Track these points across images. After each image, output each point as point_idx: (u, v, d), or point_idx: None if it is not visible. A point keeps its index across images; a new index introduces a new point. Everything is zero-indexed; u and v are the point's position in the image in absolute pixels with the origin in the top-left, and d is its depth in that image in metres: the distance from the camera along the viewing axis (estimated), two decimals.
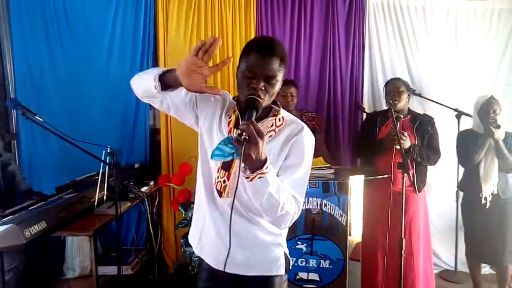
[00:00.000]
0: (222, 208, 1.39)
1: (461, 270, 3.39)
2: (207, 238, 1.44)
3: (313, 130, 3.17)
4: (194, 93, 1.39)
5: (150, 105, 3.46)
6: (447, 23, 3.47)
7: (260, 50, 1.26)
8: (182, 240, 2.15)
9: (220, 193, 1.36)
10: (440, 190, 3.42)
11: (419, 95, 3.33)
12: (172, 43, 3.42)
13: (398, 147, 2.53)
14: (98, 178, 2.81)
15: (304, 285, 2.15)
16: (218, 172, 1.36)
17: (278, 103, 1.41)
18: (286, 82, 3.06)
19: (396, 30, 3.46)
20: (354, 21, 3.42)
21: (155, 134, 3.63)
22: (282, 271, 1.44)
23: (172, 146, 3.49)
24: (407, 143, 2.58)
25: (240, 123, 1.13)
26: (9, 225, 1.92)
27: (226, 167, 1.34)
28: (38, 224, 2.04)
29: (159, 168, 3.56)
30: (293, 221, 1.30)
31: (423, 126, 2.80)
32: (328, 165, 2.26)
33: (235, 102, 1.42)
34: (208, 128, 1.40)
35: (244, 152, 1.08)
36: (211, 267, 1.46)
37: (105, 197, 2.67)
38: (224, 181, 1.34)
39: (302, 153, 1.31)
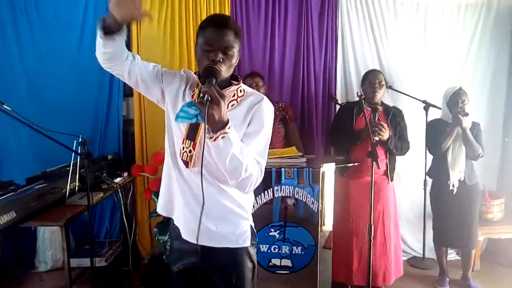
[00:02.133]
0: (190, 179, 1.42)
1: (429, 257, 3.52)
2: (178, 209, 1.48)
3: (284, 120, 3.25)
4: (160, 69, 1.50)
5: (124, 95, 3.54)
6: (416, 17, 3.57)
7: (216, 24, 1.36)
8: (155, 229, 2.15)
9: (186, 164, 1.38)
10: (408, 179, 3.52)
11: (390, 87, 3.43)
12: (146, 30, 3.38)
13: (377, 138, 2.59)
14: (69, 169, 2.78)
15: (277, 271, 2.19)
16: (183, 143, 1.39)
17: (239, 78, 1.47)
18: (251, 74, 3.19)
19: (368, 24, 3.53)
20: (327, 14, 3.47)
21: (128, 125, 3.60)
22: (248, 243, 1.48)
23: (146, 137, 3.46)
24: (386, 134, 2.65)
25: (202, 87, 1.21)
26: None
27: (191, 137, 1.37)
28: (8, 214, 2.01)
29: (133, 159, 3.53)
30: (256, 184, 1.36)
31: (396, 118, 2.89)
32: (301, 154, 2.30)
33: (197, 77, 1.47)
34: (173, 102, 1.45)
35: (207, 112, 1.15)
36: (179, 243, 1.49)
37: (77, 188, 2.64)
38: (190, 151, 1.37)
39: (263, 121, 1.38)
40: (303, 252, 2.21)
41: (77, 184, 2.62)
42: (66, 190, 2.51)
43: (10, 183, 2.60)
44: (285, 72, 3.52)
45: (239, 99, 1.42)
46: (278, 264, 2.20)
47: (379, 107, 2.82)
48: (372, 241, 2.34)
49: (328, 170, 2.23)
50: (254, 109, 1.39)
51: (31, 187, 2.51)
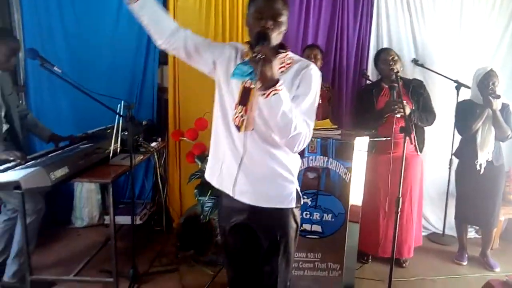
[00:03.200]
0: (240, 143, 1.51)
1: (448, 234, 3.62)
2: (227, 171, 1.57)
3: (329, 100, 3.32)
4: (211, 41, 1.62)
5: (159, 64, 3.63)
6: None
7: None
8: (195, 191, 2.28)
9: (238, 128, 1.48)
10: (433, 158, 3.58)
11: (422, 65, 3.45)
12: None
13: (399, 115, 2.66)
14: (111, 131, 2.90)
15: (307, 236, 2.32)
16: (236, 108, 1.49)
17: (287, 46, 1.55)
18: (311, 45, 3.25)
19: (405, 3, 3.51)
20: None
21: (162, 93, 3.70)
22: (293, 205, 1.59)
23: (179, 104, 3.57)
24: (407, 109, 2.70)
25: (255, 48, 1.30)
26: (37, 167, 2.04)
27: (243, 102, 1.47)
28: (62, 169, 2.15)
29: (166, 125, 3.67)
30: (305, 144, 1.44)
31: (416, 90, 2.95)
32: (335, 126, 2.39)
33: (247, 46, 1.55)
34: (225, 71, 1.54)
35: (260, 70, 1.25)
36: (229, 201, 1.60)
37: (118, 150, 2.77)
38: (242, 116, 1.47)
39: (310, 84, 1.46)
40: (333, 220, 2.33)
41: (118, 146, 2.76)
42: (110, 151, 2.65)
43: (69, 137, 2.77)
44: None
45: (287, 66, 1.50)
46: (309, 229, 2.32)
47: (397, 85, 2.86)
48: (400, 214, 2.44)
49: (361, 143, 2.30)
50: (302, 73, 1.47)
51: (77, 147, 2.67)
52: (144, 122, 3.53)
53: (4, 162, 2.28)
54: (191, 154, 2.36)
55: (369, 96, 3.00)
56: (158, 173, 3.15)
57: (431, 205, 3.70)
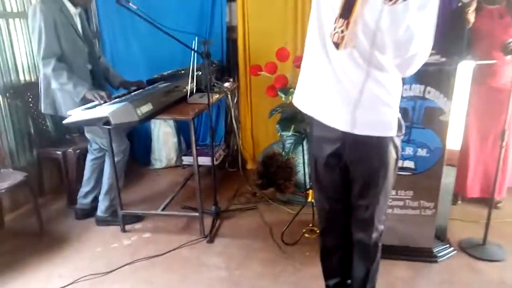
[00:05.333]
0: (338, 65, 1.36)
1: None
2: (321, 96, 1.44)
3: None
4: None
5: (226, 0, 3.47)
6: None
7: None
8: (277, 126, 2.19)
9: (337, 45, 1.32)
10: None
11: None
12: None
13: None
14: (185, 72, 2.88)
15: (397, 172, 2.15)
16: (335, 22, 1.31)
17: None
18: None
19: None
20: None
21: (231, 32, 3.57)
22: (394, 132, 1.43)
23: (248, 42, 3.44)
24: None
25: None
26: (124, 103, 2.05)
27: (346, 14, 1.29)
28: (146, 105, 2.16)
29: (236, 66, 3.58)
30: (418, 67, 1.28)
31: None
32: (433, 51, 2.12)
33: None
34: None
35: None
36: (322, 129, 1.48)
37: (194, 89, 2.74)
38: (342, 31, 1.30)
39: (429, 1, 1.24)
40: (428, 155, 2.14)
41: (194, 85, 2.72)
42: (188, 90, 2.62)
43: (138, 82, 2.79)
44: None
45: None
46: (400, 165, 2.15)
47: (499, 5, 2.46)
48: (504, 148, 2.20)
49: (465, 69, 2.03)
50: None
51: (157, 86, 2.67)
52: (214, 63, 3.47)
53: (89, 102, 2.33)
54: (272, 87, 2.25)
55: (460, 16, 2.63)
56: (232, 113, 3.10)
57: None
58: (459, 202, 2.91)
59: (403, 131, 1.50)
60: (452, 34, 2.78)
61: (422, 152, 2.16)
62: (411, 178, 2.20)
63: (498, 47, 2.39)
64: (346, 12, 1.28)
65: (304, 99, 1.53)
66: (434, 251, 2.30)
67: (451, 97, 2.04)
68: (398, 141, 1.48)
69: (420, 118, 2.10)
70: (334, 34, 1.31)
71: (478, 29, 2.54)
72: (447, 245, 2.37)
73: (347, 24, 1.28)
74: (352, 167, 1.50)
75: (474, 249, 2.34)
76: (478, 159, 2.78)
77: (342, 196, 1.60)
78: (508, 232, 2.53)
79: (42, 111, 2.55)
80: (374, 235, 1.60)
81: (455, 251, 2.33)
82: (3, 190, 2.33)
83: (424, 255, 2.29)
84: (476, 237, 2.41)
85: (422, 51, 1.24)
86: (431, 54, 2.05)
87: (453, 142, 2.18)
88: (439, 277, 2.13)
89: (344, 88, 1.37)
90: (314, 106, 1.49)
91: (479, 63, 2.11)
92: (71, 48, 2.40)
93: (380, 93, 1.38)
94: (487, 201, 2.80)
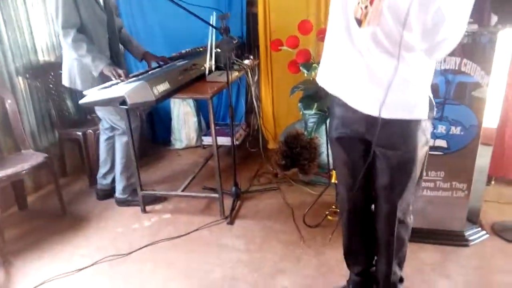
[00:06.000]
0: (361, 44, 1.25)
1: None
2: (344, 75, 1.34)
3: None
4: None
5: None
6: None
7: None
8: (299, 104, 2.08)
9: (359, 22, 1.21)
10: None
11: None
12: None
13: None
14: (204, 49, 2.79)
15: (429, 152, 2.02)
16: None
17: None
18: None
19: None
20: None
21: (251, 6, 3.43)
22: (424, 116, 1.32)
23: (269, 19, 3.29)
24: None
25: None
26: (140, 81, 1.99)
27: None
28: (163, 84, 2.09)
29: (256, 43, 3.45)
30: (449, 51, 1.14)
31: None
32: (471, 20, 1.94)
33: None
34: None
35: None
36: (344, 111, 1.39)
37: (213, 67, 2.65)
38: (366, 7, 1.18)
39: None
40: (462, 133, 1.99)
41: (213, 63, 2.63)
42: (206, 68, 2.53)
43: (162, 58, 2.71)
44: None
45: None
46: (431, 144, 2.02)
47: None
48: None
49: (506, 39, 1.86)
50: None
51: (174, 64, 2.59)
52: (234, 40, 3.35)
53: (106, 79, 2.28)
54: (294, 63, 2.13)
55: None
56: (253, 92, 3.00)
57: None
58: (493, 182, 2.75)
59: (434, 113, 1.38)
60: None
61: (455, 131, 2.01)
62: (442, 158, 2.07)
63: None
64: None
65: (328, 78, 1.43)
66: (466, 234, 2.19)
67: (490, 70, 1.88)
68: (428, 124, 1.37)
69: (454, 93, 1.95)
70: (357, 10, 1.20)
71: None
72: (479, 228, 2.25)
73: (371, 0, 1.16)
74: (377, 149, 1.40)
75: (508, 233, 2.21)
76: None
77: (362, 182, 1.50)
78: None
79: (62, 82, 2.51)
80: (398, 228, 1.51)
81: (487, 235, 2.21)
82: (25, 171, 2.34)
83: (455, 239, 2.18)
84: (510, 220, 2.28)
85: (452, 36, 1.08)
86: (469, 23, 1.90)
87: (490, 119, 2.03)
88: (470, 262, 2.02)
89: (368, 69, 1.27)
90: (339, 86, 1.39)
91: None
92: (90, 16, 2.32)
93: (410, 75, 1.26)
94: None
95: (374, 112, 1.28)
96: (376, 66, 1.25)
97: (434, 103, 1.36)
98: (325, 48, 1.42)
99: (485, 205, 2.34)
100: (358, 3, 1.20)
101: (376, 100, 1.25)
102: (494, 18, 2.08)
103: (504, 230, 2.23)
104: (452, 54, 1.85)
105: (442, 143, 2.05)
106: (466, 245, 2.15)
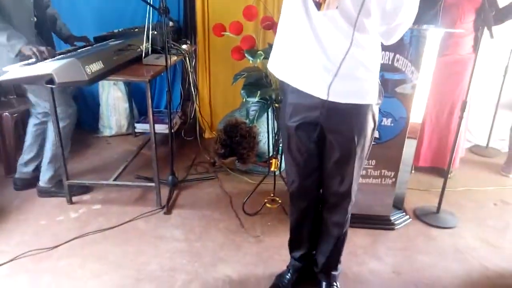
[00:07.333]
0: (320, 27, 1.25)
1: (492, 146, 3.47)
2: (299, 61, 1.34)
3: None
4: None
5: None
6: None
7: None
8: (242, 91, 2.06)
9: (318, 5, 1.21)
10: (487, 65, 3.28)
11: None
12: None
13: None
14: (139, 30, 2.64)
15: None
16: None
17: None
18: None
19: None
20: None
21: None
22: (374, 101, 1.38)
23: (208, 3, 3.22)
24: None
25: None
26: (70, 59, 1.81)
27: None
28: (96, 63, 1.92)
29: (193, 29, 3.35)
30: (402, 34, 1.21)
31: None
32: None
33: None
34: None
35: None
36: (297, 97, 1.39)
37: (150, 50, 2.51)
38: None
39: None
40: (392, 124, 2.13)
41: (149, 46, 2.49)
42: (142, 50, 2.39)
43: (84, 38, 2.51)
44: None
45: None
46: None
47: None
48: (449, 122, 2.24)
49: (433, 37, 2.01)
50: None
51: (107, 43, 2.41)
52: (171, 24, 3.22)
53: (26, 59, 2.04)
54: (238, 49, 2.09)
55: None
56: (191, 78, 2.91)
57: (476, 115, 3.48)
58: (413, 172, 2.99)
59: (382, 99, 1.44)
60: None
61: (387, 122, 2.14)
62: (374, 148, 2.15)
63: (463, 17, 2.41)
64: None
65: (280, 65, 1.42)
66: (392, 219, 2.35)
67: (419, 66, 2.02)
68: (376, 109, 1.43)
69: (387, 87, 2.06)
70: None
71: None
72: (404, 213, 2.43)
73: None
74: (329, 135, 1.43)
75: (428, 217, 2.42)
76: (432, 130, 2.85)
77: (314, 169, 1.54)
78: (458, 200, 2.64)
79: None
80: (349, 209, 1.57)
81: (410, 219, 2.40)
82: None
83: (383, 223, 2.33)
84: (429, 205, 2.50)
85: (407, 20, 1.16)
86: None
87: (415, 114, 2.19)
88: (397, 244, 2.18)
89: (326, 54, 1.27)
90: (291, 72, 1.38)
91: (448, 31, 2.09)
92: None
93: (363, 59, 1.29)
94: (438, 170, 2.93)
95: (327, 97, 1.30)
96: (330, 48, 1.26)
97: (382, 90, 1.43)
98: (278, 35, 1.40)
99: (407, 192, 2.53)
100: None
101: (330, 84, 1.27)
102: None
103: (425, 215, 2.43)
104: (386, 48, 1.98)
105: (375, 134, 2.17)
106: (393, 229, 2.31)
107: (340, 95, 1.31)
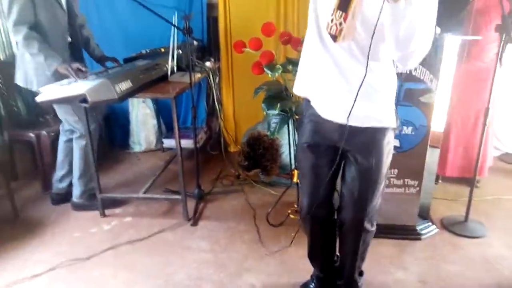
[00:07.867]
0: (337, 56, 1.32)
1: None
2: (318, 87, 1.40)
3: None
4: None
5: None
6: None
7: None
8: (263, 104, 2.13)
9: (334, 38, 1.27)
10: None
11: None
12: None
13: None
14: (165, 50, 2.77)
15: None
16: (333, 14, 1.26)
17: None
18: None
19: None
20: None
21: (211, 10, 3.46)
22: (393, 124, 1.41)
23: (230, 21, 3.34)
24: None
25: None
26: (101, 79, 1.94)
27: (344, 6, 1.23)
28: (125, 82, 2.05)
29: (217, 46, 3.48)
30: (419, 60, 1.25)
31: None
32: None
33: None
34: None
35: None
36: (318, 122, 1.44)
37: (175, 68, 2.64)
38: (340, 24, 1.24)
39: None
40: (413, 133, 2.14)
41: (175, 64, 2.62)
42: (168, 68, 2.52)
43: (114, 59, 2.66)
44: None
45: None
46: None
47: None
48: (487, 126, 2.22)
49: (451, 44, 2.01)
50: None
51: (135, 63, 2.55)
52: (195, 43, 3.35)
53: (61, 78, 2.19)
54: (258, 64, 2.17)
55: None
56: (215, 94, 3.01)
57: (505, 122, 3.40)
58: (440, 181, 2.95)
59: (399, 123, 1.48)
60: (452, 7, 2.76)
61: (407, 130, 2.15)
62: (396, 157, 2.15)
63: (489, 24, 2.39)
64: (344, 3, 1.21)
65: (302, 89, 1.48)
66: (418, 229, 2.33)
67: (438, 74, 2.03)
68: (392, 135, 1.47)
69: (405, 95, 2.08)
70: (332, 26, 1.25)
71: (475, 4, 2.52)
72: (430, 223, 2.40)
73: (345, 17, 1.22)
74: (346, 159, 1.48)
75: (456, 226, 2.38)
76: (458, 139, 2.81)
77: (330, 187, 1.58)
78: (487, 209, 2.58)
79: (15, 81, 2.38)
80: (363, 236, 1.59)
81: (437, 229, 2.36)
82: None
83: (408, 233, 2.31)
84: (457, 214, 2.46)
85: (422, 46, 1.19)
86: None
87: (436, 123, 2.19)
88: (423, 253, 2.16)
89: (345, 80, 1.33)
90: (314, 96, 1.44)
91: (464, 38, 2.09)
92: (48, 16, 2.23)
93: (378, 85, 1.35)
94: (466, 180, 2.86)
95: (346, 121, 1.33)
96: (348, 75, 1.32)
97: (398, 116, 1.46)
98: (301, 59, 1.47)
99: (433, 202, 2.50)
100: (332, 21, 1.25)
101: (348, 110, 1.29)
102: (438, 30, 2.26)
103: (453, 225, 2.40)
104: None
105: (395, 142, 2.18)
106: (419, 239, 2.28)
107: (359, 120, 1.35)
